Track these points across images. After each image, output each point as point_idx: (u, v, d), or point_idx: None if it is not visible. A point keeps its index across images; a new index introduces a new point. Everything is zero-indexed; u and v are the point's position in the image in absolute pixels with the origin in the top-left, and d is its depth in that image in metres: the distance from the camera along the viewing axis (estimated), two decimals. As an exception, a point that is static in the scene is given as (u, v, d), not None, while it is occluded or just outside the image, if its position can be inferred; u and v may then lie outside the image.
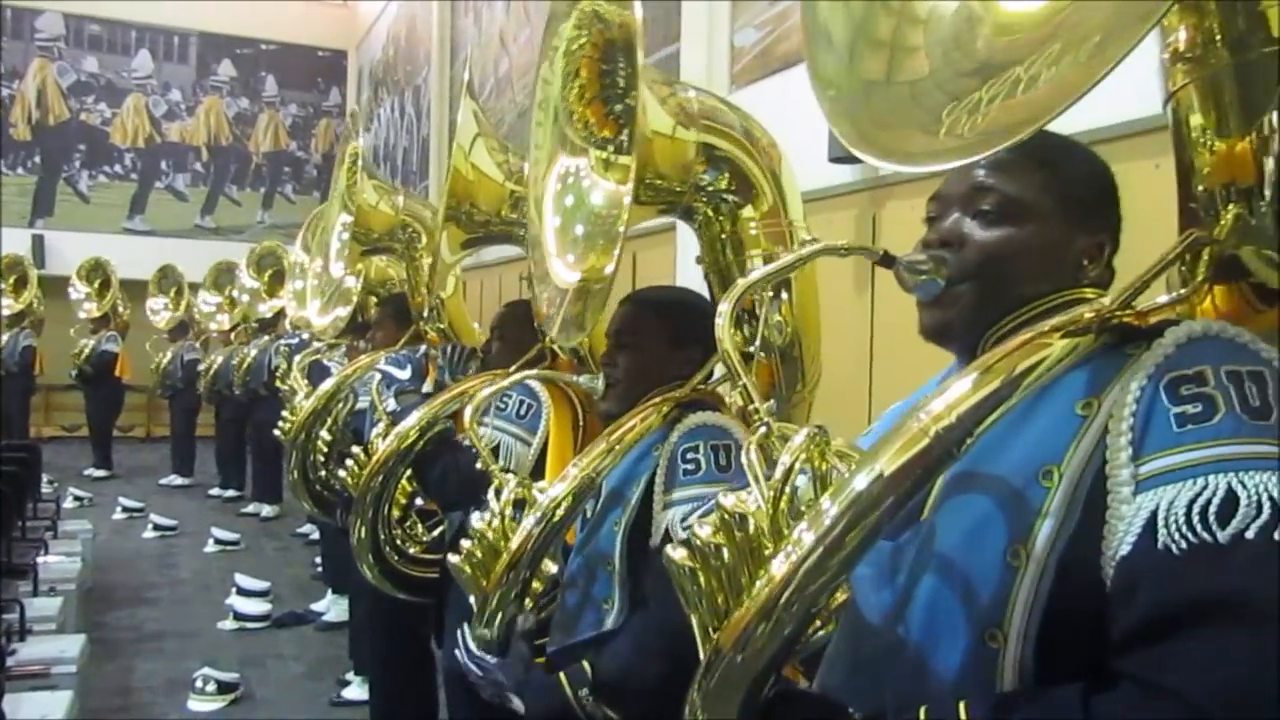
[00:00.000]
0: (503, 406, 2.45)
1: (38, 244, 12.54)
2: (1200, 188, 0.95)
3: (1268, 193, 0.92)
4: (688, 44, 5.46)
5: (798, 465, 0.94)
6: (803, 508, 0.93)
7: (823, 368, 1.99)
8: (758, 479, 0.95)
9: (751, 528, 0.91)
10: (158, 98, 13.76)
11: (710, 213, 1.87)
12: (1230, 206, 0.92)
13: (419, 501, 2.99)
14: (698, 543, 0.93)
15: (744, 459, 0.99)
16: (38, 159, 13.15)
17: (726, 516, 0.92)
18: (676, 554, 0.95)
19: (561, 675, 1.64)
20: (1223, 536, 0.80)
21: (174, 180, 13.86)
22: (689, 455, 1.65)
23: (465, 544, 1.73)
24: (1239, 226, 0.92)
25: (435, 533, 3.01)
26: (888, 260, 1.05)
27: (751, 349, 1.70)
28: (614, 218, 1.79)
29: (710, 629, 0.92)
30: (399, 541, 2.92)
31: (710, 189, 1.84)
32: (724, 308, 1.06)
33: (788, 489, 0.92)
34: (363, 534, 2.76)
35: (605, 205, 1.85)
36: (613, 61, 1.88)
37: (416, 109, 11.30)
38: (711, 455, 1.64)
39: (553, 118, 1.91)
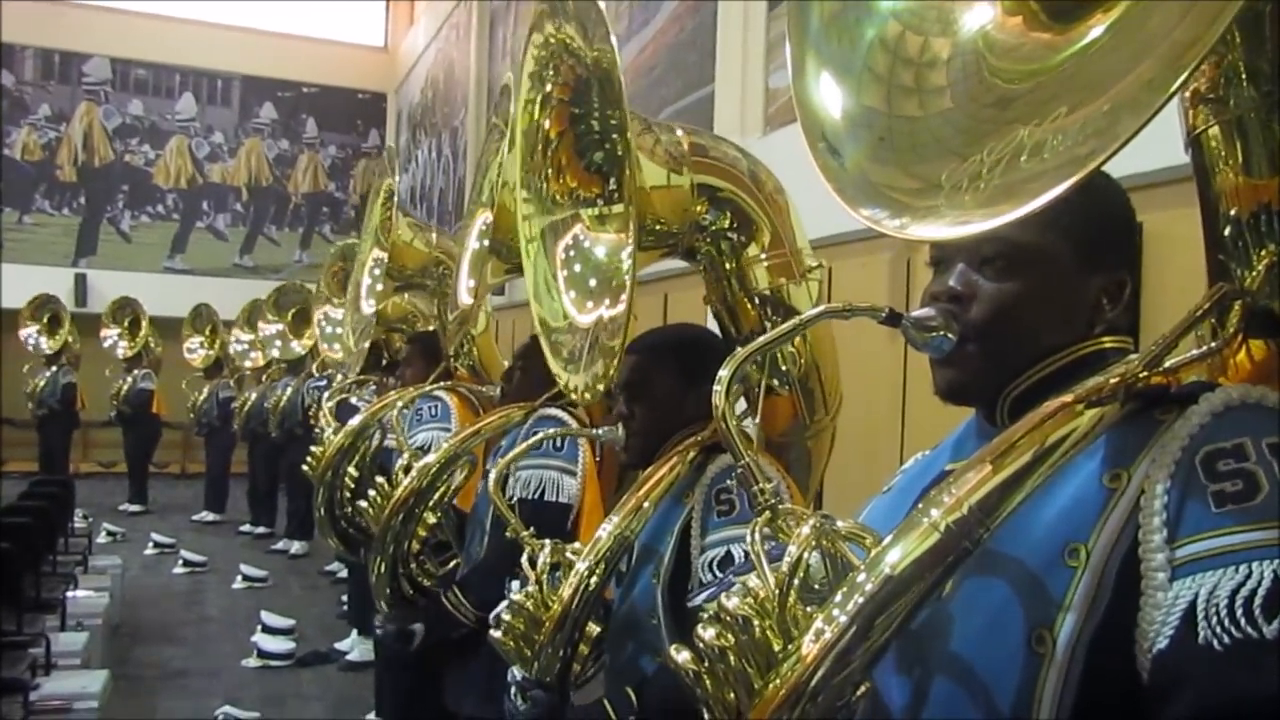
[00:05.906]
0: (537, 446, 2.43)
1: (80, 283, 12.80)
2: (1227, 233, 0.91)
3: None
4: (721, 87, 5.46)
5: (805, 557, 0.89)
6: (815, 585, 0.89)
7: (857, 413, 1.95)
8: (763, 566, 0.90)
9: (758, 629, 0.86)
10: (200, 139, 14.05)
11: (713, 251, 1.84)
12: (1262, 254, 0.88)
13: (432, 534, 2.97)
14: (701, 645, 0.88)
15: (749, 544, 0.94)
16: (82, 200, 13.44)
17: (729, 619, 0.87)
18: (680, 657, 0.90)
19: (605, 701, 1.60)
20: (1269, 631, 0.74)
21: (214, 220, 14.10)
22: (723, 496, 1.62)
23: (505, 617, 1.68)
24: (1271, 277, 0.87)
25: (447, 567, 2.98)
26: (894, 318, 0.99)
27: (773, 383, 1.66)
28: (617, 266, 1.76)
29: None
30: (417, 578, 2.90)
31: (712, 228, 1.82)
32: (723, 374, 1.00)
33: (795, 581, 0.87)
34: (381, 570, 2.75)
35: (609, 256, 1.82)
36: (585, 103, 1.82)
37: (454, 150, 11.43)
38: (745, 495, 1.58)
39: (537, 184, 1.87)
